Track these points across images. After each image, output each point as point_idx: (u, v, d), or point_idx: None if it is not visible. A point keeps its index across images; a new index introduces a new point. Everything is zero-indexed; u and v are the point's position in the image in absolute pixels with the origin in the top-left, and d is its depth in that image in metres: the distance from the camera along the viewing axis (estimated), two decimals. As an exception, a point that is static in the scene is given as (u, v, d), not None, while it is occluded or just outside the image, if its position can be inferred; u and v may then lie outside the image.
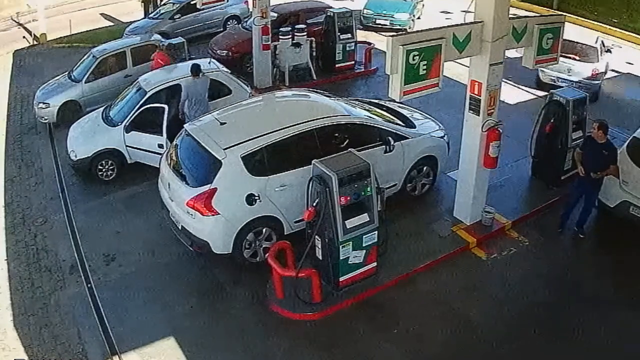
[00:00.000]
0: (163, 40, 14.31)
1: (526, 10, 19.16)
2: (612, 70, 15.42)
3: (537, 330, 7.08)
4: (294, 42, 14.14)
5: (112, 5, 23.76)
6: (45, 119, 12.74)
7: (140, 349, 7.00)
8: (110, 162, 10.41)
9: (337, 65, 14.93)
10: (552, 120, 9.43)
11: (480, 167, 8.38)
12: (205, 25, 18.16)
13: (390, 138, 8.68)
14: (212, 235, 7.76)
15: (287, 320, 7.32)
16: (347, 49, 14.94)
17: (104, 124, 10.69)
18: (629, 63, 16.10)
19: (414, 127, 9.46)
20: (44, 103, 12.65)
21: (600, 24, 19.03)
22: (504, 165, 9.50)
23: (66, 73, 13.50)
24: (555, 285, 7.89)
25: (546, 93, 10.71)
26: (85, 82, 12.85)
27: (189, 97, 10.40)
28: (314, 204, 7.18)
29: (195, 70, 10.57)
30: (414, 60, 6.93)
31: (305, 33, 14.28)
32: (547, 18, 8.95)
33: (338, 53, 14.82)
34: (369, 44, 15.75)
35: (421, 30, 7.37)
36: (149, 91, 10.56)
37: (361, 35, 16.79)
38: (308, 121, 8.22)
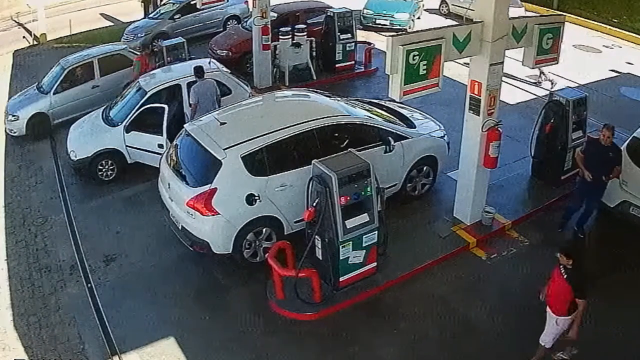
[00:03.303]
0: (162, 41, 14.27)
1: (526, 10, 19.13)
2: (612, 70, 15.43)
3: (537, 330, 7.06)
4: (294, 42, 14.13)
5: (112, 5, 23.74)
6: (15, 132, 12.24)
7: (140, 349, 7.00)
8: (110, 162, 10.39)
9: (337, 65, 14.91)
10: (552, 120, 9.43)
11: (480, 167, 8.37)
12: (205, 25, 18.12)
13: (390, 138, 8.68)
14: (212, 235, 7.75)
15: (287, 320, 7.32)
16: (347, 49, 14.92)
17: (104, 124, 10.67)
18: (629, 63, 16.10)
19: (414, 127, 9.46)
20: (13, 115, 12.21)
21: (600, 24, 19.03)
22: (504, 165, 9.49)
23: (35, 84, 13.03)
24: (555, 285, 7.89)
25: (546, 93, 10.70)
26: (54, 94, 12.39)
27: (199, 100, 10.18)
28: (314, 204, 7.18)
29: (197, 71, 10.40)
30: (414, 60, 6.93)
31: (305, 33, 14.26)
32: (547, 18, 8.96)
33: (338, 53, 14.80)
34: (369, 44, 15.72)
35: (421, 30, 7.37)
36: (149, 91, 10.54)
37: (361, 35, 16.77)
38: (308, 121, 8.22)
